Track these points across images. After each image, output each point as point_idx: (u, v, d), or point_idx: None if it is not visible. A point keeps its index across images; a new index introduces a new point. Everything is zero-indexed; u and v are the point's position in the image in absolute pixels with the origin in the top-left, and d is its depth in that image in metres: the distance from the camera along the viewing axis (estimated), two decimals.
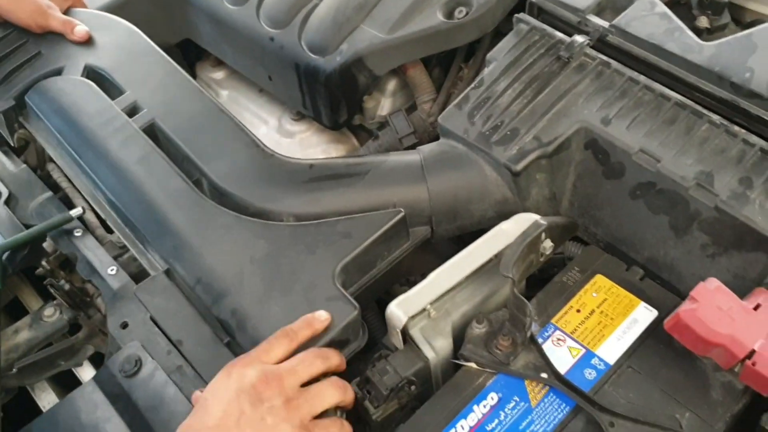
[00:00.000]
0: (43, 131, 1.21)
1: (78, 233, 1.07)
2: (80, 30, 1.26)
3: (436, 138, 1.07)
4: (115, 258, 1.05)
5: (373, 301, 1.08)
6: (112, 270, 1.01)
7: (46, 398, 1.01)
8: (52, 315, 1.03)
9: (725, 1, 1.12)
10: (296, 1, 1.26)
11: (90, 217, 1.16)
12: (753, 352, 0.77)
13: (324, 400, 0.80)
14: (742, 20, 1.23)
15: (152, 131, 1.11)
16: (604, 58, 1.01)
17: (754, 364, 0.76)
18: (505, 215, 0.95)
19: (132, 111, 1.14)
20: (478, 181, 1.00)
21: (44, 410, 1.01)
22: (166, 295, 0.94)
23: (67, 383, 1.06)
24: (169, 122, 1.11)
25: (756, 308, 0.81)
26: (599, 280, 0.93)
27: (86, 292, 1.06)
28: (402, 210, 0.95)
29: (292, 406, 0.78)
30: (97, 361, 1.05)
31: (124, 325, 0.94)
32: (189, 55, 1.62)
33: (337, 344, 0.87)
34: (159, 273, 0.96)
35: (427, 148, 1.04)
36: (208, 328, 0.90)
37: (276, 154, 1.05)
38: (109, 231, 1.17)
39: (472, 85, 1.05)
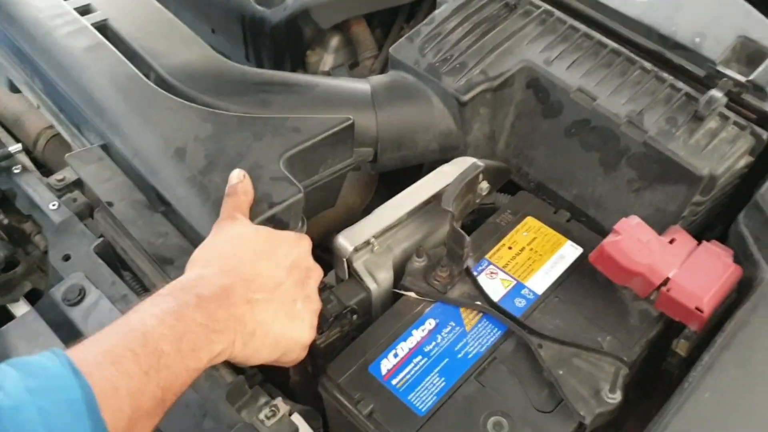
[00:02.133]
0: None
1: (17, 170, 1.06)
2: None
3: None
4: (58, 198, 1.04)
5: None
6: (53, 205, 1.00)
7: None
8: None
9: None
10: None
11: (24, 159, 1.15)
12: (668, 279, 0.84)
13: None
14: None
15: (104, 30, 1.08)
16: (548, 7, 1.08)
17: (668, 290, 0.84)
18: (447, 149, 1.00)
19: (84, 12, 1.10)
20: (425, 111, 1.04)
21: None
22: (101, 164, 0.92)
23: (1, 323, 1.04)
24: (122, 24, 1.08)
25: (671, 242, 0.89)
26: (529, 221, 1.00)
27: (23, 230, 1.05)
28: (352, 118, 0.95)
29: (311, 301, 0.79)
30: (34, 298, 1.04)
31: (67, 258, 0.94)
32: None
33: (277, 224, 0.85)
34: (94, 146, 0.93)
35: (376, 78, 1.08)
36: (142, 196, 0.89)
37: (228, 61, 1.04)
38: (47, 174, 1.17)
39: (424, 22, 1.10)
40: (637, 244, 0.87)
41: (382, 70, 1.31)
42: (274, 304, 0.73)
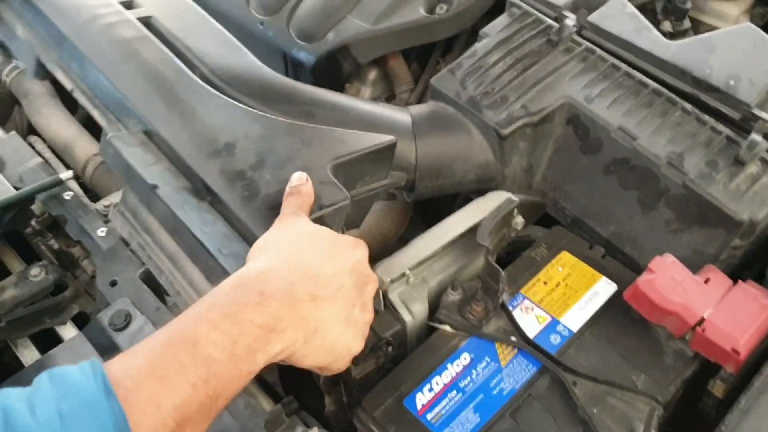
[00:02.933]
0: (28, 15, 1.20)
1: (68, 196, 1.10)
2: None
3: None
4: (104, 224, 1.08)
5: None
6: (101, 231, 1.04)
7: (29, 355, 1.03)
8: (38, 275, 1.05)
9: (687, 8, 1.22)
10: None
11: (74, 186, 1.19)
12: (703, 319, 0.84)
13: None
14: (698, 31, 1.33)
15: (148, 25, 1.10)
16: (590, 44, 1.09)
17: (703, 330, 0.84)
18: (484, 180, 1.01)
19: (128, 6, 1.13)
20: (464, 142, 1.06)
21: (26, 365, 1.03)
22: (144, 148, 0.91)
23: (49, 344, 1.08)
24: (166, 23, 1.10)
25: (706, 281, 0.89)
26: (564, 256, 1.00)
27: (72, 254, 1.09)
28: (395, 138, 0.96)
29: (367, 309, 0.79)
30: (81, 322, 1.08)
31: (113, 283, 0.97)
32: None
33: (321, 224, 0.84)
34: (136, 130, 0.94)
35: (416, 108, 1.10)
36: (187, 183, 0.89)
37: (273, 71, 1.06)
38: (94, 199, 1.21)
39: (465, 54, 1.12)
40: (672, 283, 0.87)
41: (419, 104, 1.33)
42: (336, 305, 0.71)
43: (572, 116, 1.04)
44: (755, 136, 0.93)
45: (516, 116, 1.03)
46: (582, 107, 1.02)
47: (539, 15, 1.14)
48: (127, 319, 0.92)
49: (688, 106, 1.01)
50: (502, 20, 1.16)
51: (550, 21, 1.13)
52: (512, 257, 1.07)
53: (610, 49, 1.09)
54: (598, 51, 1.08)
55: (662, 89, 1.03)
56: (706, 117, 1.00)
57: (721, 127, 0.99)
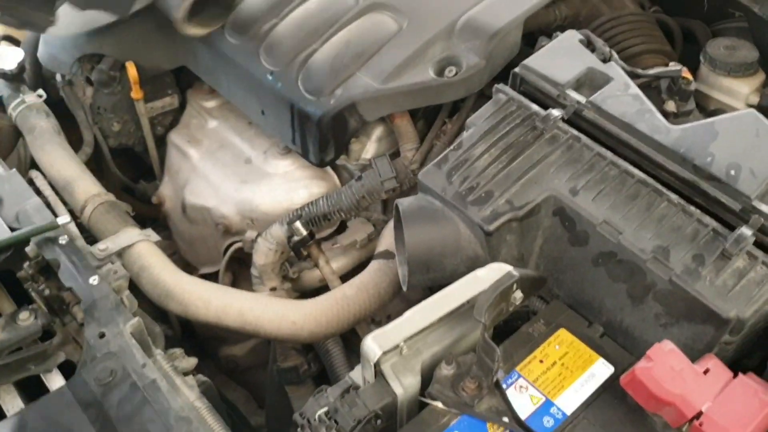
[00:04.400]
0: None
1: (63, 241, 1.09)
2: None
3: (417, 185, 1.13)
4: (97, 269, 1.07)
5: None
6: (94, 280, 1.02)
7: (12, 402, 1.00)
8: (27, 319, 1.02)
9: (692, 90, 1.22)
10: (298, 43, 1.32)
11: (72, 228, 1.18)
12: (701, 413, 0.82)
13: None
14: (707, 107, 1.33)
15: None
16: (575, 132, 1.09)
17: (701, 424, 0.82)
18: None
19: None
20: (452, 236, 1.05)
21: (8, 414, 1.01)
22: None
23: (33, 392, 1.05)
24: None
25: (705, 372, 0.87)
26: (562, 333, 0.99)
27: (63, 300, 1.07)
28: None
29: None
30: (67, 370, 1.05)
31: (102, 335, 0.95)
32: (181, 81, 1.66)
33: None
34: None
35: (406, 201, 1.10)
36: None
37: None
38: (91, 242, 1.20)
39: (451, 147, 1.11)
40: (670, 372, 0.85)
41: (422, 163, 1.33)
42: None
43: (558, 209, 1.03)
44: (744, 230, 0.92)
45: (501, 212, 1.03)
46: (567, 200, 1.02)
47: (524, 102, 1.13)
48: (113, 375, 0.90)
49: (674, 197, 1.00)
50: (487, 108, 1.15)
51: (535, 108, 1.12)
52: (508, 325, 1.06)
53: (611, 130, 1.08)
54: (584, 139, 1.08)
55: (648, 179, 1.02)
56: (692, 209, 0.99)
57: (707, 219, 0.97)
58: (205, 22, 1.41)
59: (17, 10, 1.45)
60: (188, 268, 1.61)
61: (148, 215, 1.68)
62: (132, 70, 1.51)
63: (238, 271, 1.50)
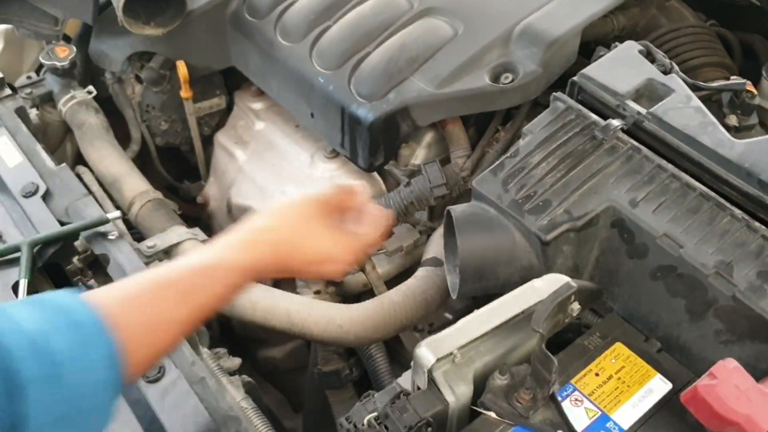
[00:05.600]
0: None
1: (113, 236, 1.09)
2: None
3: (467, 192, 1.11)
4: (146, 265, 1.07)
5: None
6: None
7: None
8: None
9: (755, 104, 1.19)
10: (351, 47, 1.31)
11: (121, 224, 1.19)
12: None
13: None
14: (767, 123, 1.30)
15: None
16: (635, 143, 1.06)
17: None
18: (528, 281, 0.98)
19: None
20: (506, 245, 1.03)
21: None
22: None
23: None
24: None
25: None
26: (618, 347, 0.96)
27: None
28: None
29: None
30: None
31: None
32: (230, 81, 1.67)
33: None
34: None
35: (459, 208, 1.08)
36: None
37: None
38: (138, 240, 1.20)
39: (507, 154, 1.09)
40: (735, 391, 0.82)
41: (473, 171, 1.31)
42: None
43: (617, 220, 1.00)
44: None
45: (559, 221, 1.00)
46: (626, 212, 0.99)
47: (584, 111, 1.11)
48: (160, 372, 0.89)
49: (737, 212, 0.96)
50: (545, 116, 1.12)
51: (594, 117, 1.10)
52: (558, 337, 1.03)
53: (672, 143, 1.05)
54: (644, 150, 1.04)
55: (710, 193, 0.99)
56: (756, 224, 0.95)
57: None
58: (163, 23, 1.45)
59: (28, 22, 1.50)
60: None
61: (192, 215, 1.68)
62: (183, 69, 1.51)
63: None
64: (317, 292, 1.29)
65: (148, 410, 0.87)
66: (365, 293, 1.34)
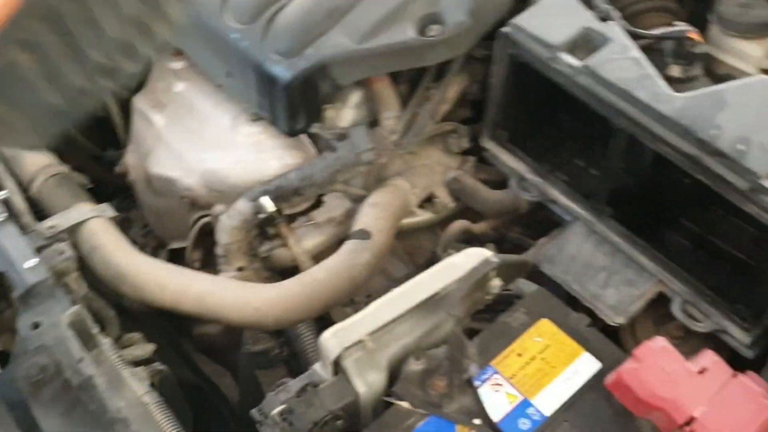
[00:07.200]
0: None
1: (0, 218, 0.99)
2: None
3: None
4: (39, 249, 0.98)
5: None
6: (30, 263, 0.93)
7: None
8: None
9: (699, 53, 1.10)
10: None
11: (18, 201, 1.09)
12: (693, 418, 0.74)
13: None
14: (716, 71, 1.22)
15: None
16: None
17: (692, 431, 0.74)
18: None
19: None
20: None
21: None
22: None
23: None
24: None
25: (701, 372, 0.78)
26: (544, 324, 0.90)
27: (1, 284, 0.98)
28: None
29: None
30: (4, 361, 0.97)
31: (36, 326, 0.87)
32: None
33: None
34: None
35: None
36: None
37: None
38: (41, 217, 1.10)
39: None
40: (660, 374, 0.77)
41: (404, 132, 1.22)
42: None
43: None
44: None
45: None
46: None
47: None
48: (44, 372, 0.81)
49: None
50: None
51: None
52: (489, 311, 0.97)
53: (606, 98, 0.98)
54: None
55: None
56: None
57: None
58: None
59: None
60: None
61: (122, 185, 1.57)
62: None
63: (211, 246, 1.41)
64: (240, 269, 1.20)
65: (27, 414, 0.80)
66: (297, 268, 1.26)
